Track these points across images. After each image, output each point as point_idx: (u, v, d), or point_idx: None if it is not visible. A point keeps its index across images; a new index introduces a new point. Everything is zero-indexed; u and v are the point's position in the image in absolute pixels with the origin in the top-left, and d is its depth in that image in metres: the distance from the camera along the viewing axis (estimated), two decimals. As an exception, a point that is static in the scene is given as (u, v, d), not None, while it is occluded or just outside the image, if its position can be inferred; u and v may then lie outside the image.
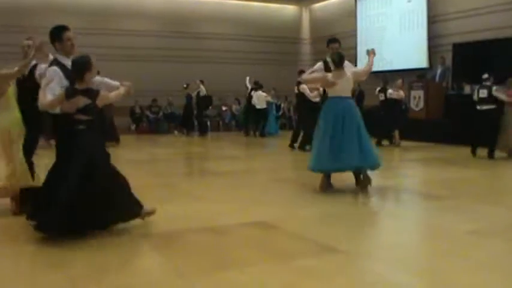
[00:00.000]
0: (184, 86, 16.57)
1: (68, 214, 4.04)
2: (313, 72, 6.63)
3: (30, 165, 5.27)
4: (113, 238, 4.28)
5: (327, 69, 6.43)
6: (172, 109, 18.41)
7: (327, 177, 6.35)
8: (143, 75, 17.03)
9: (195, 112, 17.38)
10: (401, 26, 16.59)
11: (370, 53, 6.49)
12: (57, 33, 4.73)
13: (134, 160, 10.77)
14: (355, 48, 17.54)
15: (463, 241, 4.21)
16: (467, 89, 12.69)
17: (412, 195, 6.51)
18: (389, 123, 12.19)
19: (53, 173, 4.35)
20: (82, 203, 4.08)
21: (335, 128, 6.07)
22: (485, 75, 9.94)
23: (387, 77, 13.21)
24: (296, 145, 11.88)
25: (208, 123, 18.74)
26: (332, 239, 4.26)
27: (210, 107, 18.50)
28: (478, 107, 9.88)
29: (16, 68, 5.06)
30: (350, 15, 18.45)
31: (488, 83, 9.84)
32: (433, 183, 7.42)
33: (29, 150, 5.27)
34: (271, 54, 19.83)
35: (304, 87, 11.37)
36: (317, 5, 21.04)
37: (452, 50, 14.23)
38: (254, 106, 16.24)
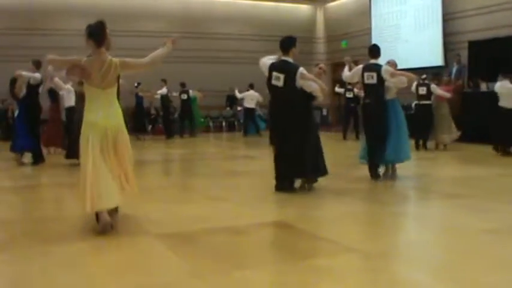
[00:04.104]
0: (136, 85, 15.78)
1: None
2: None
3: None
4: (129, 238, 4.31)
5: None
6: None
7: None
8: (156, 77, 17.10)
9: (153, 113, 17.42)
10: (416, 24, 16.46)
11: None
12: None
13: (149, 161, 10.83)
14: (370, 47, 17.43)
15: (480, 240, 4.17)
16: (483, 87, 12.56)
17: (429, 193, 6.45)
18: None
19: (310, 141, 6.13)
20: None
21: None
22: (424, 76, 11.43)
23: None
24: None
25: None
26: (348, 238, 4.25)
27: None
28: (418, 102, 11.52)
29: (148, 59, 4.75)
30: (364, 13, 18.36)
31: (426, 81, 11.31)
32: (450, 182, 7.35)
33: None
34: (285, 53, 19.77)
35: None
36: (331, 4, 20.98)
37: (467, 47, 14.08)
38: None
